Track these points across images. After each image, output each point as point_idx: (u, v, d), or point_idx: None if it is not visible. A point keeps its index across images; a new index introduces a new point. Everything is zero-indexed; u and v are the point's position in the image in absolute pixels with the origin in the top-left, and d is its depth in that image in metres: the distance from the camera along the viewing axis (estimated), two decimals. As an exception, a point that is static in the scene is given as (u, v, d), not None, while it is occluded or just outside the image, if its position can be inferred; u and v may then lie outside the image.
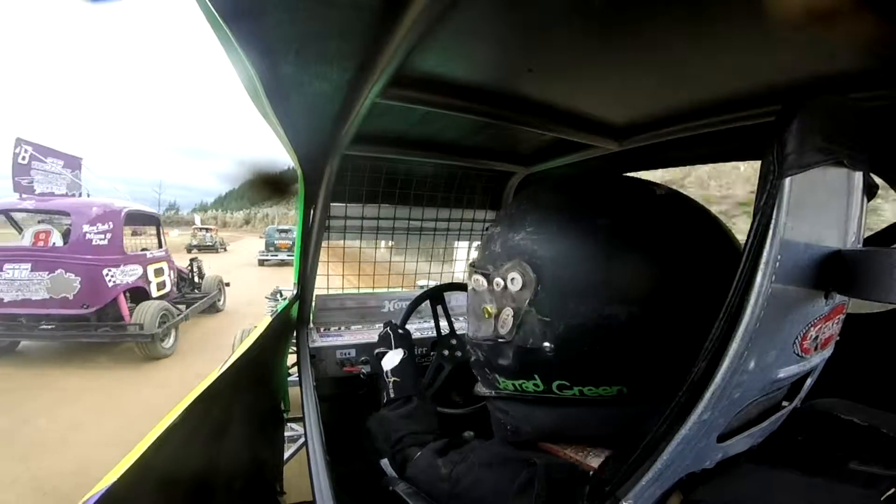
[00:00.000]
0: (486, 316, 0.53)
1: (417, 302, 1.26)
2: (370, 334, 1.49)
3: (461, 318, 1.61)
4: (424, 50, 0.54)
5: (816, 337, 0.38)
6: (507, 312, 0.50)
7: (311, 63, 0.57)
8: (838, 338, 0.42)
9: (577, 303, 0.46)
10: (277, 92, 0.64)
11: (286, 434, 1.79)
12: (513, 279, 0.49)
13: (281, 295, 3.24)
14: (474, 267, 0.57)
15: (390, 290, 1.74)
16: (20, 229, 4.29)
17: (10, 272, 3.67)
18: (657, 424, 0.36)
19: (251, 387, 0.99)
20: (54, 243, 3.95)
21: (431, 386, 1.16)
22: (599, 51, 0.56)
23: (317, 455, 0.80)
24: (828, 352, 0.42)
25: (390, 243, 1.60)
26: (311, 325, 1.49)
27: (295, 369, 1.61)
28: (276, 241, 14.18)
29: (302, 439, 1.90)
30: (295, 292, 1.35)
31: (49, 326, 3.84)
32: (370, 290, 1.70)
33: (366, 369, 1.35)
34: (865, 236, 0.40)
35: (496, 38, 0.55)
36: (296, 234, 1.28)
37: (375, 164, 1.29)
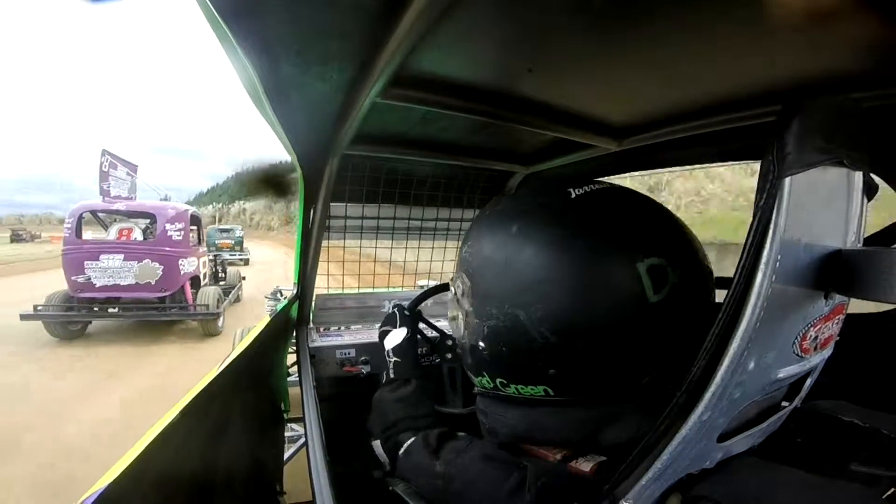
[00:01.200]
0: (452, 320, 0.61)
1: (434, 291, 1.24)
2: (370, 334, 1.49)
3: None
4: (424, 50, 0.54)
5: (816, 337, 0.38)
6: (460, 317, 0.58)
7: (312, 63, 0.57)
8: (838, 338, 0.42)
9: (492, 305, 0.51)
10: (278, 92, 0.64)
11: (286, 434, 1.79)
12: (459, 287, 0.57)
13: (281, 294, 3.25)
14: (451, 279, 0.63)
15: (390, 289, 1.74)
16: (105, 226, 5.21)
17: (105, 261, 4.56)
18: (658, 424, 0.36)
19: (251, 387, 0.99)
20: (135, 238, 4.92)
21: (455, 390, 1.15)
22: (599, 51, 0.56)
23: (317, 455, 0.80)
24: (827, 352, 0.42)
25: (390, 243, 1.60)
26: (311, 324, 1.49)
27: (295, 369, 1.61)
28: (216, 242, 14.49)
29: (302, 439, 1.90)
30: (295, 292, 1.35)
31: (117, 309, 4.68)
32: (370, 290, 1.70)
33: (366, 369, 1.35)
34: (865, 236, 0.40)
35: (496, 38, 0.55)
36: (296, 234, 1.28)
37: (375, 164, 1.28)
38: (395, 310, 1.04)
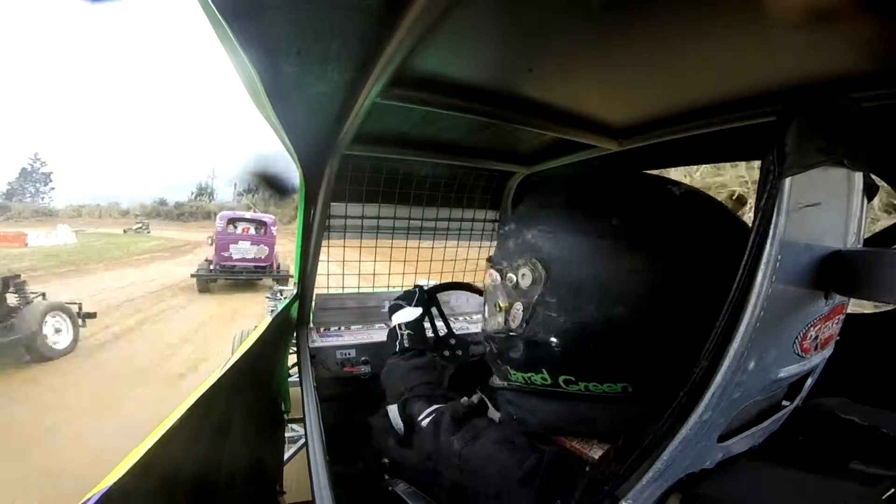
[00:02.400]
0: (498, 310, 0.54)
1: (457, 286, 1.28)
2: (370, 334, 1.49)
3: (459, 318, 1.62)
4: (424, 50, 0.54)
5: (816, 337, 0.38)
6: (518, 307, 0.51)
7: (313, 63, 0.57)
8: (838, 338, 0.42)
9: (584, 301, 0.46)
10: (278, 92, 0.64)
11: (287, 434, 1.79)
12: (523, 275, 0.51)
13: (281, 294, 3.25)
14: (490, 262, 0.59)
15: (390, 289, 1.74)
16: (234, 226, 8.40)
17: (241, 245, 8.10)
18: (658, 424, 0.36)
19: (252, 387, 0.99)
20: (252, 233, 8.41)
21: (441, 386, 1.16)
22: (599, 51, 0.56)
23: (317, 455, 0.80)
24: (828, 352, 0.42)
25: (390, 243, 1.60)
26: (311, 325, 1.49)
27: (295, 369, 1.61)
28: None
29: (302, 440, 1.90)
30: (295, 292, 1.35)
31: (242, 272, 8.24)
32: (370, 290, 1.70)
33: (366, 369, 1.35)
34: (865, 236, 0.40)
35: (496, 38, 0.55)
36: (297, 233, 1.29)
37: (375, 164, 1.28)
38: (416, 288, 1.06)
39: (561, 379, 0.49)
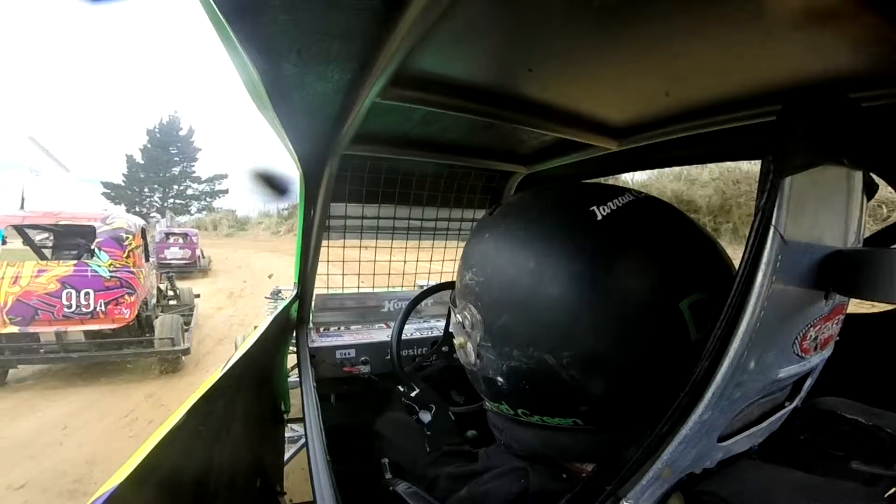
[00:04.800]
0: (460, 347, 0.55)
1: (411, 306, 1.20)
2: (370, 334, 1.49)
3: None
4: (424, 50, 0.54)
5: (816, 337, 0.38)
6: (469, 346, 0.52)
7: (313, 63, 0.57)
8: (838, 338, 0.42)
9: (512, 346, 0.46)
10: (278, 92, 0.64)
11: (287, 434, 1.79)
12: (465, 317, 0.51)
13: (281, 295, 3.25)
14: (452, 300, 0.58)
15: (390, 289, 1.74)
16: (168, 238, 10.82)
17: (172, 249, 10.25)
18: (660, 425, 0.36)
19: (252, 387, 0.99)
20: (180, 241, 10.79)
21: (430, 378, 1.16)
22: (599, 51, 0.56)
23: (317, 455, 0.80)
24: (827, 352, 0.42)
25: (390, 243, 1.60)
26: (311, 325, 1.49)
27: (295, 370, 1.61)
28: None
29: (302, 440, 1.90)
30: (295, 292, 1.35)
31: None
32: (370, 290, 1.70)
33: (365, 369, 1.35)
34: (865, 236, 0.40)
35: (496, 38, 0.55)
36: (297, 234, 1.29)
37: (375, 164, 1.29)
38: (403, 399, 1.00)
39: (519, 411, 0.49)
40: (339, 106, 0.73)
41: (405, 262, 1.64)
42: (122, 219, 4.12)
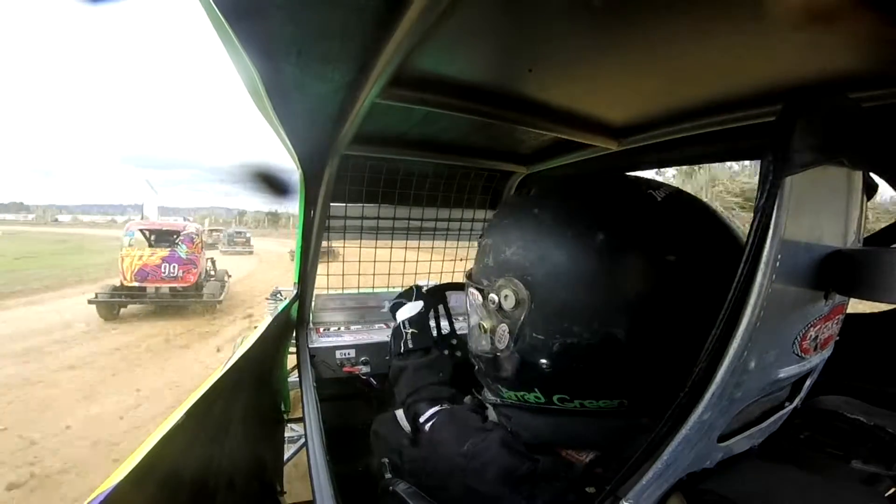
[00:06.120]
0: (483, 331, 0.53)
1: (456, 286, 1.23)
2: (370, 334, 1.49)
3: (460, 319, 1.62)
4: (424, 50, 0.54)
5: (816, 337, 0.38)
6: (503, 328, 0.50)
7: (313, 64, 0.57)
8: (838, 338, 0.42)
9: (573, 322, 0.45)
10: (279, 92, 0.64)
11: (286, 434, 1.79)
12: (506, 296, 0.49)
13: (281, 295, 3.25)
14: (470, 279, 0.57)
15: (390, 289, 1.74)
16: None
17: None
18: (659, 425, 0.36)
19: (252, 387, 0.99)
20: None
21: (447, 384, 1.16)
22: (599, 51, 0.56)
23: (317, 455, 0.80)
24: (827, 352, 0.42)
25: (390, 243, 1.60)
26: (311, 325, 1.49)
27: (295, 370, 1.61)
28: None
29: (302, 440, 1.90)
30: (295, 292, 1.35)
31: None
32: (370, 290, 1.70)
33: (366, 369, 1.35)
34: (865, 236, 0.40)
35: (496, 38, 0.55)
36: (296, 234, 1.29)
37: (375, 164, 1.29)
38: (414, 286, 1.04)
39: (555, 397, 0.49)
40: (339, 106, 0.73)
41: (405, 261, 1.64)
42: (192, 226, 8.00)
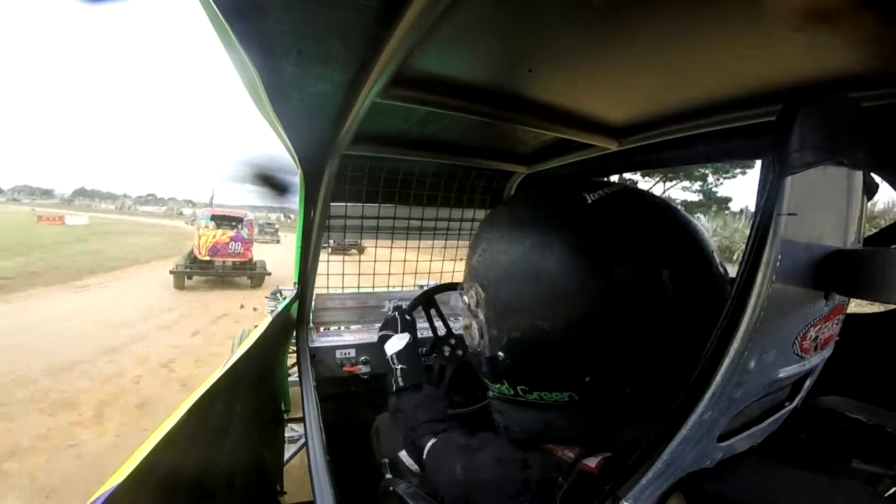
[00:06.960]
0: (466, 329, 0.60)
1: (433, 292, 1.27)
2: (370, 334, 1.49)
3: (459, 318, 1.62)
4: (424, 50, 0.54)
5: (816, 337, 0.38)
6: (474, 326, 0.57)
7: (313, 63, 0.57)
8: (838, 338, 0.42)
9: (513, 317, 0.50)
10: (279, 92, 0.64)
11: (287, 434, 1.79)
12: (472, 297, 0.56)
13: (281, 294, 3.25)
14: (461, 284, 0.62)
15: (390, 289, 1.74)
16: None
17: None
18: (660, 424, 0.36)
19: (252, 387, 0.99)
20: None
21: (440, 386, 1.16)
22: (599, 51, 0.56)
23: (317, 455, 0.80)
24: (827, 352, 0.42)
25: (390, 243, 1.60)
26: (311, 324, 1.48)
27: (295, 369, 1.61)
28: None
29: (302, 439, 1.90)
30: (295, 292, 1.35)
31: None
32: (370, 290, 1.69)
33: (365, 369, 1.35)
34: (865, 236, 0.40)
35: (496, 38, 0.55)
36: (297, 234, 1.29)
37: (375, 164, 1.28)
38: (396, 313, 1.04)
39: (519, 388, 0.53)
40: (339, 106, 0.73)
41: (405, 261, 1.64)
42: (251, 215, 9.88)
